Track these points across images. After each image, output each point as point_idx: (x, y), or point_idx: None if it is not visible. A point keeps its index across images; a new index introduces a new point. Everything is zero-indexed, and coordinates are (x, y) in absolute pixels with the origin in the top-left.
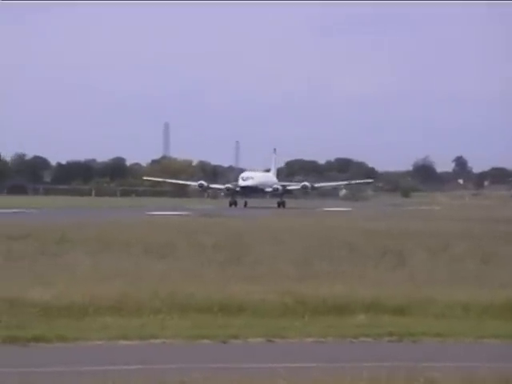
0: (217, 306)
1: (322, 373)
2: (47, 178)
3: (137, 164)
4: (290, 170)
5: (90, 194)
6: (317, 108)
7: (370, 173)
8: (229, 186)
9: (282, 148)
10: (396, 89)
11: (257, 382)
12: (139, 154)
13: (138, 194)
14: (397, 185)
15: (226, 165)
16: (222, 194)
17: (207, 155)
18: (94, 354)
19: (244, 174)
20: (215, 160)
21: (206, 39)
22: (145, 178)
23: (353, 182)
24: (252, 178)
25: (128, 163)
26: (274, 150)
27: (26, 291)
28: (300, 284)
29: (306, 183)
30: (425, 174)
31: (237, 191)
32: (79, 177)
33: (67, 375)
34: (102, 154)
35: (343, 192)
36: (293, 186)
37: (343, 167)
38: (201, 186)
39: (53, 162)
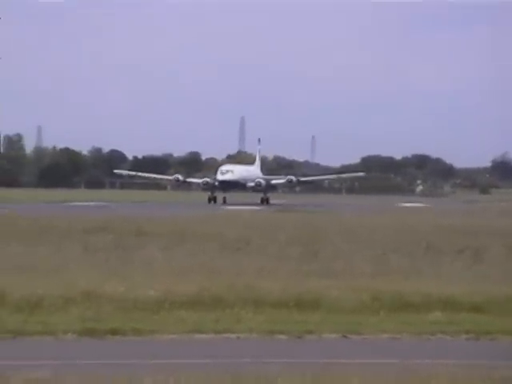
0: (292, 301)
1: (398, 369)
2: (124, 169)
3: (212, 158)
4: (366, 166)
5: (165, 188)
6: (394, 103)
7: (447, 169)
8: (207, 180)
9: (359, 143)
10: (474, 84)
11: (332, 377)
12: (215, 148)
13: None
14: (475, 181)
15: (301, 160)
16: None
17: (283, 150)
18: (170, 348)
19: (223, 168)
20: (291, 155)
21: (284, 35)
22: (115, 171)
23: (343, 175)
24: (232, 171)
25: (204, 157)
26: (259, 140)
27: (103, 284)
28: (376, 280)
29: (292, 177)
30: (503, 170)
31: (216, 186)
32: (155, 171)
33: (143, 368)
34: (179, 149)
35: (420, 188)
36: (277, 181)
37: (420, 163)
38: (177, 180)
39: (129, 156)
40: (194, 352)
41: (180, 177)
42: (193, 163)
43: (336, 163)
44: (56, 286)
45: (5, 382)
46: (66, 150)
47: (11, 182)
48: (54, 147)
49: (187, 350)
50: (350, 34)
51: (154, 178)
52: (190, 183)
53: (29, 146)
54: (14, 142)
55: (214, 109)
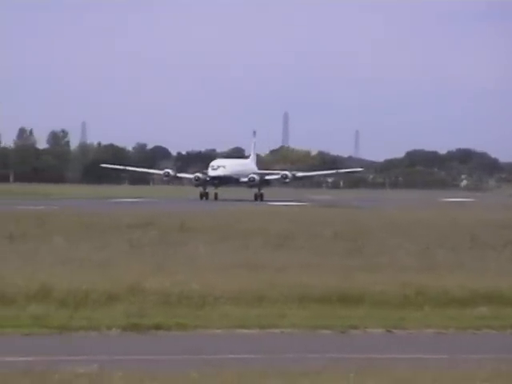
0: (336, 296)
1: (443, 364)
2: (168, 166)
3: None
4: (410, 160)
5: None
6: (438, 97)
7: (492, 163)
8: (198, 175)
9: (403, 138)
10: None
11: (376, 372)
12: (258, 144)
13: None
14: None
15: (345, 155)
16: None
17: (326, 145)
18: (214, 343)
19: (214, 162)
20: (335, 150)
21: (327, 30)
22: (102, 165)
23: (341, 171)
24: (223, 166)
25: (247, 153)
26: (254, 132)
27: (147, 280)
28: (420, 275)
29: (287, 172)
30: None
31: (208, 181)
32: (199, 167)
33: (187, 363)
34: (222, 145)
35: (464, 183)
36: (271, 176)
37: (465, 158)
38: (167, 174)
39: (173, 152)
40: (238, 347)
41: (171, 171)
42: (236, 158)
43: (380, 158)
44: (100, 281)
45: (51, 377)
46: (111, 147)
47: (56, 177)
48: (99, 143)
49: (231, 345)
50: (391, 29)
51: (144, 172)
52: (180, 178)
53: (74, 143)
54: (60, 137)
55: (257, 104)
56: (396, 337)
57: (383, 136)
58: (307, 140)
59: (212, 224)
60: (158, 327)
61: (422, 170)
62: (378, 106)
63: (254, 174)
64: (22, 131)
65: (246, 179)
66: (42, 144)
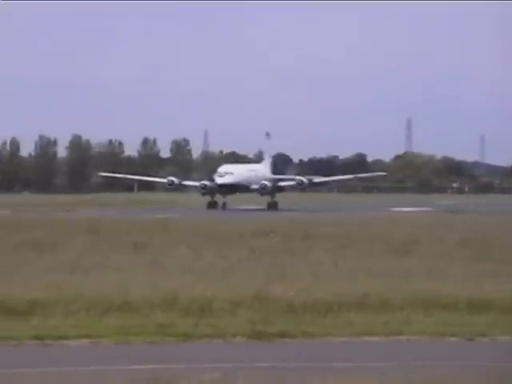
0: (463, 303)
1: None
2: (290, 174)
3: (378, 160)
4: None
5: (331, 191)
6: None
7: None
8: (205, 183)
9: None
10: None
11: (506, 381)
12: (381, 150)
13: (380, 190)
14: None
15: (470, 160)
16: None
17: (451, 150)
18: (340, 350)
19: (221, 169)
20: (460, 155)
21: (453, 35)
22: (100, 173)
23: (360, 175)
24: (232, 173)
25: (369, 159)
26: (267, 133)
27: (271, 287)
28: None
29: (302, 178)
30: None
31: (215, 189)
32: (321, 174)
33: (312, 371)
34: (345, 151)
35: None
36: (286, 182)
37: None
38: (171, 183)
39: (295, 159)
40: (364, 355)
41: (175, 179)
42: (358, 165)
43: (507, 163)
44: (224, 288)
45: None
46: (232, 154)
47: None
48: (221, 151)
49: (357, 353)
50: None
51: (146, 180)
52: (185, 186)
53: (196, 151)
54: (182, 146)
55: (380, 110)
56: None
57: (510, 140)
58: (431, 145)
59: (335, 231)
60: (282, 335)
61: None
62: (504, 110)
63: (266, 180)
64: (145, 141)
65: (257, 186)
66: (165, 153)
